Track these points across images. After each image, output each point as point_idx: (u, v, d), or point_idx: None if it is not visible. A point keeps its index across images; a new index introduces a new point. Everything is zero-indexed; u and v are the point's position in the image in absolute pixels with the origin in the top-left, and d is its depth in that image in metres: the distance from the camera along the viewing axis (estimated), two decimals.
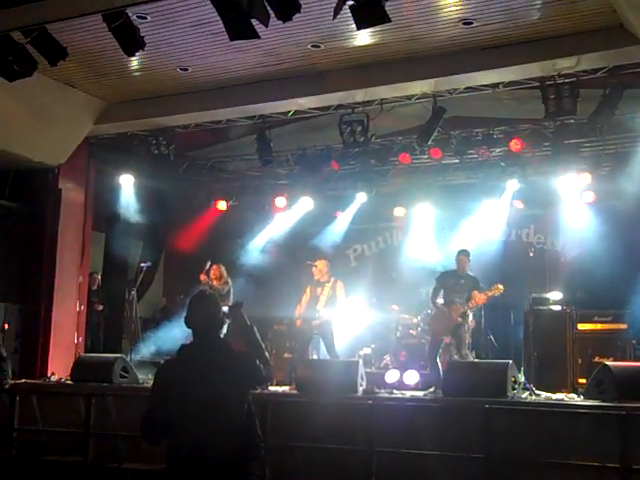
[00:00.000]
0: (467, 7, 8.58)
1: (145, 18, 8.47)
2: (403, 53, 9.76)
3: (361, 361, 9.19)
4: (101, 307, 12.77)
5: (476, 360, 10.09)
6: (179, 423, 4.13)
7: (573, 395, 9.06)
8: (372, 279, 13.92)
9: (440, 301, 10.22)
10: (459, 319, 9.89)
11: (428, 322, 10.98)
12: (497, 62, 9.61)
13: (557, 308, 11.36)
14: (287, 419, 8.04)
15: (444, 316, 9.99)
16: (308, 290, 10.59)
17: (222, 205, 14.41)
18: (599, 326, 11.20)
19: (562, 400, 8.35)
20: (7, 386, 8.63)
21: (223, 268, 11.45)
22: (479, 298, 9.91)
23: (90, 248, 12.41)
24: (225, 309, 4.46)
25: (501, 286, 9.85)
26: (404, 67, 9.96)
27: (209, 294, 4.55)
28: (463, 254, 10.37)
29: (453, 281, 10.16)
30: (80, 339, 11.82)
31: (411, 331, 12.19)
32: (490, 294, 9.90)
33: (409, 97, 10.67)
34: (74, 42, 8.82)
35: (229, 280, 11.40)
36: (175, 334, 12.03)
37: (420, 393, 8.94)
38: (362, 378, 8.77)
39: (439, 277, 10.41)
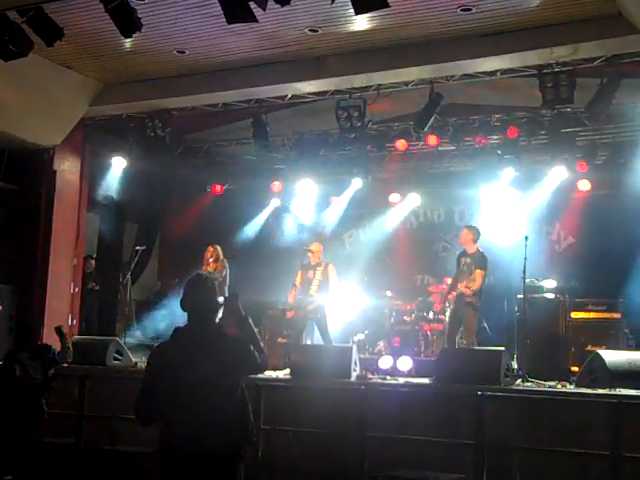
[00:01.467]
0: None
1: None
2: (401, 39, 9.71)
3: (355, 347, 9.21)
4: (97, 287, 12.75)
5: (468, 347, 10.09)
6: (171, 406, 4.14)
7: (565, 383, 9.08)
8: (366, 265, 13.91)
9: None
10: (454, 304, 9.86)
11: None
12: (495, 49, 9.57)
13: (551, 296, 11.36)
14: (281, 404, 8.07)
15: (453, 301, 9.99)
16: (299, 273, 10.59)
17: (218, 189, 14.41)
18: (593, 315, 11.20)
19: (554, 388, 8.37)
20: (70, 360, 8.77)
21: (219, 248, 11.39)
22: (462, 287, 9.73)
23: (85, 230, 12.37)
24: (221, 300, 4.44)
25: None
26: (402, 53, 9.91)
27: (206, 277, 4.53)
28: (464, 229, 10.21)
29: (462, 261, 9.97)
30: (74, 321, 11.80)
31: (405, 317, 12.21)
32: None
33: (406, 83, 10.62)
34: (71, 23, 8.75)
35: (226, 263, 11.36)
36: (169, 317, 12.06)
37: (415, 379, 8.93)
38: (355, 364, 8.78)
39: (456, 258, 10.22)
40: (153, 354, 4.48)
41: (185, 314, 4.37)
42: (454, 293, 9.98)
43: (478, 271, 9.72)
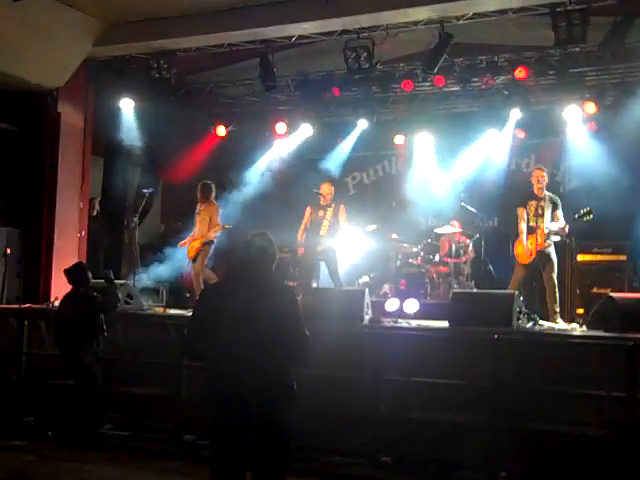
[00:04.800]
0: None
1: None
2: None
3: (367, 290, 9.21)
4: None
5: (481, 290, 10.12)
6: (222, 346, 4.19)
7: (574, 325, 9.15)
8: (371, 208, 13.88)
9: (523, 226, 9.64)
10: (545, 244, 9.41)
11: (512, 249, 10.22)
12: None
13: (557, 239, 11.38)
14: None
15: (527, 243, 9.55)
16: (308, 210, 10.54)
17: (221, 131, 14.23)
18: (598, 257, 11.32)
19: (566, 330, 8.44)
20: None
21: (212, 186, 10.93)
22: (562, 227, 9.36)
23: (90, 173, 12.25)
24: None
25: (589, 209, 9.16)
26: None
27: (269, 235, 4.57)
28: (539, 170, 9.82)
29: (533, 205, 9.63)
30: None
31: (411, 260, 12.23)
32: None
33: (415, 23, 10.39)
34: None
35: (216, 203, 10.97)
36: (174, 260, 12.03)
37: (426, 322, 8.93)
38: (368, 307, 8.81)
39: (519, 203, 9.83)
40: (205, 293, 4.58)
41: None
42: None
43: (560, 212, 9.57)
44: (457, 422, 7.20)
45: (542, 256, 9.45)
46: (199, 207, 10.73)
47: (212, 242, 10.62)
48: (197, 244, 10.53)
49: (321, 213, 10.43)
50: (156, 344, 8.57)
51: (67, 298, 8.28)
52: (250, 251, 4.41)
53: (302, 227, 10.57)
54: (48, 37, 10.59)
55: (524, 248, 9.57)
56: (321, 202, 10.48)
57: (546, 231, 9.39)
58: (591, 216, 9.15)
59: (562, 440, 6.82)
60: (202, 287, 10.23)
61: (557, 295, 9.42)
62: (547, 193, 9.71)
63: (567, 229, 9.41)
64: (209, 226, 10.50)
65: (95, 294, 8.20)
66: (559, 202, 9.68)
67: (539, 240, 9.43)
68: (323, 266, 10.71)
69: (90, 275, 8.41)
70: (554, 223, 9.50)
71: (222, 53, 11.70)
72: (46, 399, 8.93)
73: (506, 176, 13.34)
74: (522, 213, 9.69)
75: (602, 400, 6.88)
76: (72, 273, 8.31)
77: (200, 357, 4.36)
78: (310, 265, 10.49)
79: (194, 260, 10.60)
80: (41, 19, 10.23)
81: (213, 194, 10.85)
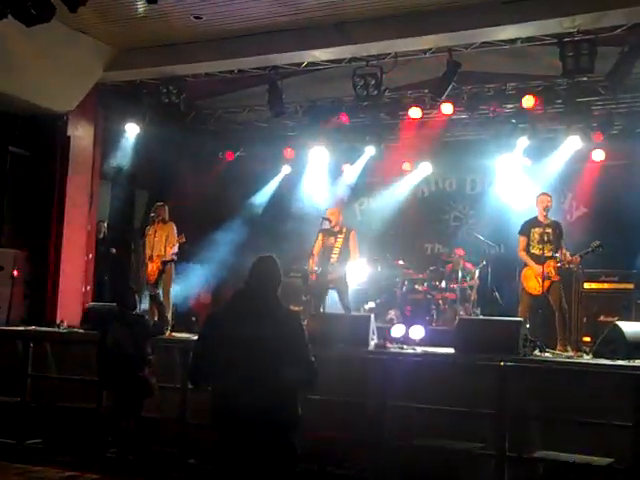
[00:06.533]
0: None
1: None
2: (421, 6, 9.61)
3: (372, 315, 9.21)
4: (114, 250, 12.73)
5: (487, 317, 10.08)
6: (227, 370, 4.17)
7: (581, 353, 9.10)
8: (378, 233, 13.90)
9: (523, 254, 9.51)
10: (557, 277, 9.29)
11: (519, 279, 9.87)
12: (516, 17, 9.44)
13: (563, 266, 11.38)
14: None
15: (536, 274, 9.32)
16: (320, 237, 10.46)
17: (229, 155, 14.34)
18: (605, 285, 11.28)
19: (572, 358, 8.40)
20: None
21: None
22: (574, 258, 9.29)
23: (98, 197, 12.32)
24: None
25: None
26: (421, 20, 9.79)
27: (275, 258, 4.53)
28: (544, 195, 9.66)
29: (537, 232, 9.47)
30: (88, 287, 11.82)
31: (417, 286, 12.25)
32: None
33: (424, 51, 10.51)
34: None
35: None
36: (180, 283, 12.03)
37: (431, 348, 8.92)
38: (373, 333, 8.79)
39: (521, 230, 9.72)
40: (210, 318, 4.52)
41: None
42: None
43: (562, 242, 9.47)
44: (461, 449, 7.16)
45: (551, 284, 9.43)
46: (153, 228, 10.70)
47: (173, 260, 10.58)
48: (158, 264, 10.51)
49: (332, 240, 10.35)
50: (161, 367, 8.55)
51: (115, 321, 7.97)
52: (254, 275, 4.40)
53: (313, 253, 10.50)
54: (59, 62, 10.70)
55: (535, 279, 9.43)
56: (331, 228, 10.43)
57: (559, 264, 9.36)
58: (601, 248, 9.17)
59: (568, 469, 6.77)
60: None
61: (566, 323, 9.41)
62: (552, 219, 9.71)
63: (579, 260, 9.42)
64: (166, 245, 10.51)
65: (147, 317, 8.15)
66: (562, 230, 9.64)
67: (552, 272, 9.37)
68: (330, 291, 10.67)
69: (138, 298, 8.31)
70: (560, 253, 9.49)
71: (231, 79, 11.83)
72: (51, 422, 8.91)
73: (512, 203, 13.33)
74: (522, 242, 9.66)
75: (608, 429, 6.83)
76: (123, 296, 8.17)
77: (205, 383, 4.35)
78: (320, 292, 10.41)
79: (156, 283, 10.51)
80: (53, 44, 10.32)
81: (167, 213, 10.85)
